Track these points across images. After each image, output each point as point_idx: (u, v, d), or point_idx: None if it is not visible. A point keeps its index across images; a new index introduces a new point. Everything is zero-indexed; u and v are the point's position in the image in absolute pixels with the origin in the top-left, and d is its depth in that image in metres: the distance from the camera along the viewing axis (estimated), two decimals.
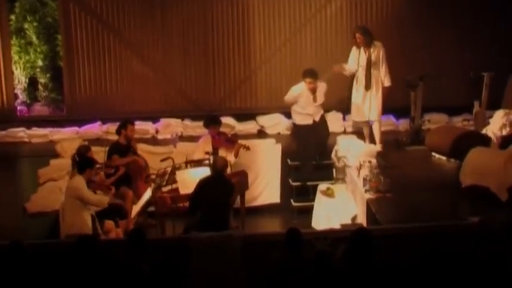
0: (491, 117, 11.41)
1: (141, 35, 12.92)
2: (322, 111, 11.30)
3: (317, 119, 11.18)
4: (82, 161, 9.17)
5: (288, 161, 11.40)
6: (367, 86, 11.09)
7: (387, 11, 12.89)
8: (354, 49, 11.15)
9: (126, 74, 12.96)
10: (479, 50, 12.71)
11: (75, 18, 12.83)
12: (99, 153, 10.27)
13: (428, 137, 11.36)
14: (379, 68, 11.07)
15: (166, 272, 7.18)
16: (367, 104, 11.16)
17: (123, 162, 10.10)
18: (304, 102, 11.08)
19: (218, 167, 8.97)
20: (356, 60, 11.13)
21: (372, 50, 11.04)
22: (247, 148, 10.64)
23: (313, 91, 11.02)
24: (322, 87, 11.11)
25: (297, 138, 11.50)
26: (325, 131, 11.35)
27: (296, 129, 11.46)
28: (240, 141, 10.75)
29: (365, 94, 11.13)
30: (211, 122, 10.72)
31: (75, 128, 12.63)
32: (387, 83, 11.15)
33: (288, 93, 11.16)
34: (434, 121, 12.56)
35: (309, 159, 11.18)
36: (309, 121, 11.15)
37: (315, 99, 11.07)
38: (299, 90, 11.07)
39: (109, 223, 9.20)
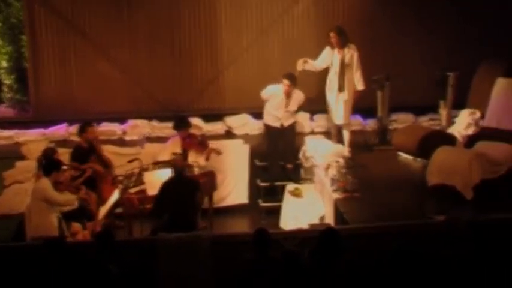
0: (456, 116, 11.55)
1: (107, 36, 12.80)
2: (293, 120, 11.30)
3: (286, 124, 11.16)
4: (48, 164, 9.08)
5: (256, 161, 11.41)
6: (340, 88, 11.12)
7: (354, 12, 12.91)
8: (328, 49, 11.18)
9: (93, 75, 12.81)
10: (444, 51, 12.81)
11: (40, 19, 12.67)
12: (65, 155, 10.17)
13: (395, 136, 11.44)
14: (352, 70, 11.10)
15: (135, 273, 7.14)
16: (338, 106, 11.20)
17: (79, 168, 9.96)
18: (277, 104, 11.07)
19: (178, 166, 8.96)
20: (326, 60, 11.16)
21: (346, 51, 11.07)
22: (219, 153, 10.65)
23: (287, 95, 11.00)
24: (297, 95, 11.11)
25: (267, 138, 11.50)
26: (291, 138, 11.30)
27: (266, 129, 11.47)
28: (211, 145, 10.72)
29: (337, 96, 11.16)
30: (182, 124, 10.68)
31: (41, 130, 12.48)
32: (360, 86, 11.20)
33: (265, 89, 11.17)
34: (401, 121, 12.67)
35: (277, 159, 11.19)
36: (276, 123, 11.15)
37: (287, 104, 11.06)
38: (274, 91, 11.06)
39: (76, 225, 9.11)
